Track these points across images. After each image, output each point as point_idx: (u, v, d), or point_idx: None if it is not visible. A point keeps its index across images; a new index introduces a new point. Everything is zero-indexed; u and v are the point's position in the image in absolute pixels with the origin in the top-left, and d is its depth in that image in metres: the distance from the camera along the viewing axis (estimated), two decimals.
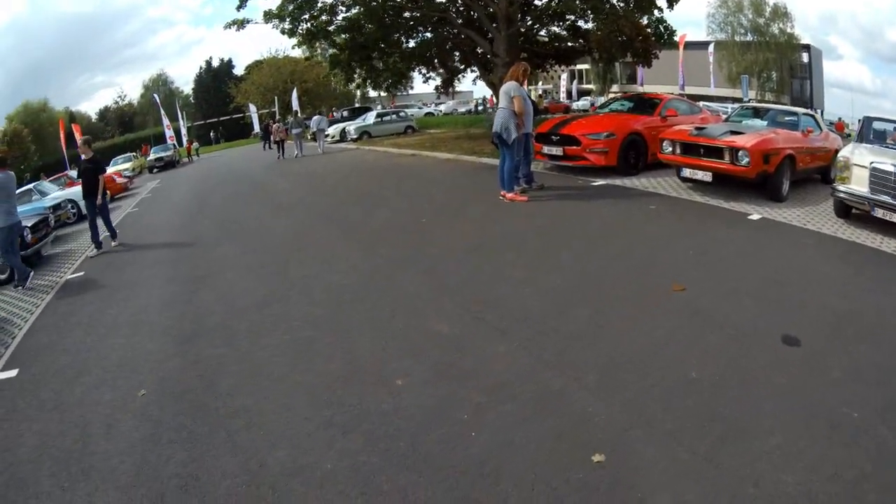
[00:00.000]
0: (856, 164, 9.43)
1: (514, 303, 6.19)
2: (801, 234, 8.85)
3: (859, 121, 31.33)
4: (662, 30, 23.94)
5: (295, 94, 43.09)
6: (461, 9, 23.87)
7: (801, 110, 13.43)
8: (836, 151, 13.24)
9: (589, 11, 22.50)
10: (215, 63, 74.51)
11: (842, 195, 9.51)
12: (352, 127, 35.18)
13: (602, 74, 74.73)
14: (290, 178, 19.84)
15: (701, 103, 19.81)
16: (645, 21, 23.05)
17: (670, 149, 11.20)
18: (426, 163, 19.13)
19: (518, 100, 10.21)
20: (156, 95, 56.65)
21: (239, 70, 73.13)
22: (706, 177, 10.60)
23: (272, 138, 31.23)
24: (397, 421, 4.24)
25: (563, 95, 70.12)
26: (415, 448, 3.91)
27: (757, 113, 13.88)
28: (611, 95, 61.55)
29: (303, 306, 6.82)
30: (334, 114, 51.00)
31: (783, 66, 63.79)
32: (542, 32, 26.49)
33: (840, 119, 44.05)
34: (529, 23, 24.68)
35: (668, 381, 4.51)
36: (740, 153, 9.98)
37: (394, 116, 37.87)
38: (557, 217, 9.78)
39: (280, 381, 5.04)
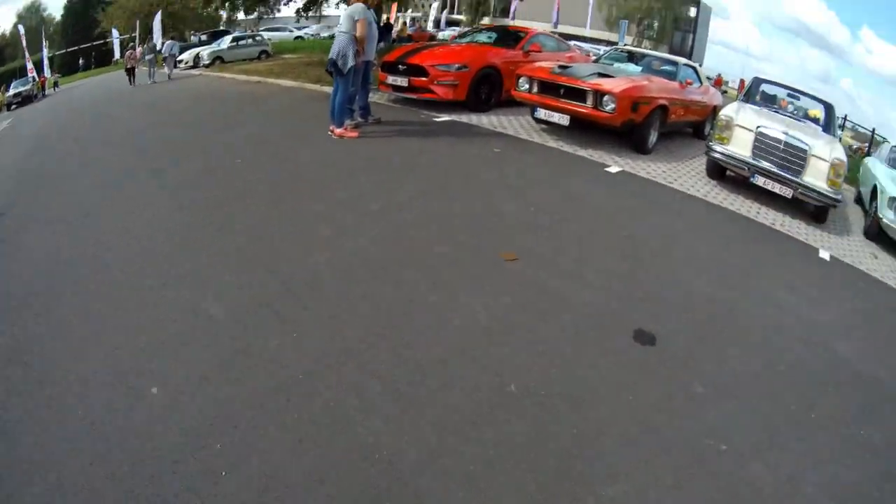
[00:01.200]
0: (739, 126, 9.22)
1: (309, 273, 5.18)
2: (667, 193, 8.44)
3: (741, 80, 32.41)
4: None
5: (158, 18, 40.32)
6: None
7: (682, 60, 13.02)
8: (715, 108, 13.17)
9: None
10: None
11: (718, 156, 9.26)
12: (205, 52, 33.31)
13: (474, 5, 74.52)
14: (130, 110, 17.67)
15: (573, 42, 19.17)
16: None
17: (526, 86, 10.38)
18: (267, 91, 17.68)
19: (362, 23, 9.06)
20: (20, 26, 51.60)
21: None
22: (563, 120, 9.88)
23: (125, 65, 29.41)
24: (146, 450, 3.28)
25: (430, 24, 69.13)
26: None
27: (632, 57, 13.38)
28: (482, 26, 61.53)
29: (60, 293, 5.27)
30: (193, 38, 48.43)
31: (667, 17, 65.79)
32: None
33: (719, 75, 45.64)
34: None
35: (479, 396, 3.66)
36: (606, 98, 9.29)
37: (249, 41, 36.60)
38: (386, 158, 8.74)
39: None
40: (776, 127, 8.95)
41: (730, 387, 4.01)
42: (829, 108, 10.94)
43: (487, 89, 12.11)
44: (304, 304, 4.57)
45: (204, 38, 43.23)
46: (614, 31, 58.90)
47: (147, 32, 43.90)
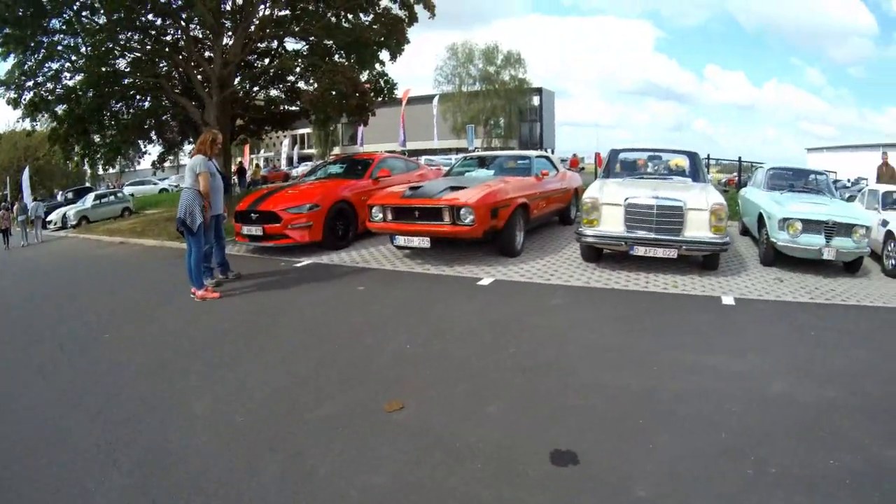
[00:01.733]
0: (606, 204, 9.17)
1: (189, 457, 4.49)
2: (547, 291, 8.19)
3: (597, 154, 33.27)
4: (383, 84, 23.83)
5: (26, 174, 38.61)
6: (180, 73, 22.57)
7: (533, 153, 13.29)
8: (576, 190, 13.39)
9: (309, 69, 21.99)
10: None
11: (591, 239, 9.16)
12: (71, 212, 32.31)
13: (323, 137, 75.49)
14: (2, 277, 16.62)
15: (422, 158, 19.18)
16: (365, 77, 22.94)
17: (380, 215, 10.13)
18: (130, 252, 17.00)
19: (204, 176, 8.68)
20: None
21: None
22: (423, 243, 9.68)
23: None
24: None
25: (284, 162, 69.18)
26: None
27: (483, 162, 13.43)
28: (331, 158, 62.25)
29: None
30: (59, 196, 46.68)
31: (512, 111, 68.63)
32: (260, 96, 25.65)
33: (574, 155, 47.04)
34: (247, 87, 23.85)
35: None
36: (463, 211, 9.18)
37: (112, 198, 35.26)
38: (251, 318, 8.10)
39: None
40: (644, 193, 8.99)
41: (673, 476, 3.65)
42: (692, 157, 11.25)
43: (343, 225, 11.95)
44: (188, 498, 3.91)
45: (70, 195, 42.18)
46: (462, 137, 60.59)
47: (17, 190, 42.21)
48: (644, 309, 7.43)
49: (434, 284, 8.79)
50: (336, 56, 22.21)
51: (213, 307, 8.53)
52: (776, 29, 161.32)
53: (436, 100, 57.19)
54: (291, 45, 23.48)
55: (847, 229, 9.12)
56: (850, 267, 9.47)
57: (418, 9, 22.08)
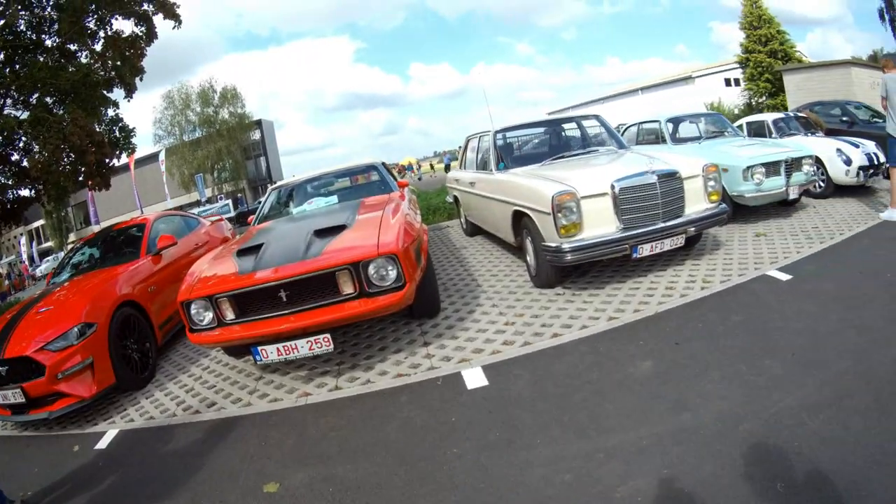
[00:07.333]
0: (586, 197, 6.02)
1: None
2: (618, 356, 4.67)
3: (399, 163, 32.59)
4: (118, 133, 18.31)
5: None
6: None
7: (372, 161, 9.21)
8: None
9: (32, 132, 15.51)
10: None
11: (577, 255, 5.89)
12: None
13: (57, 224, 66.97)
14: None
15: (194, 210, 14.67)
16: (98, 129, 17.22)
17: (210, 315, 5.35)
18: None
19: None
20: None
21: None
22: (320, 346, 5.11)
23: None
24: None
25: (26, 264, 58.66)
26: None
27: (306, 191, 8.97)
28: (69, 247, 55.17)
29: None
30: None
31: (237, 151, 64.39)
32: None
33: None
34: None
35: None
36: (374, 267, 5.03)
37: None
38: None
39: None
40: (627, 169, 6.11)
41: None
42: (600, 121, 8.84)
43: (136, 344, 6.90)
44: None
45: None
46: (192, 190, 56.73)
47: None
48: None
49: (400, 424, 4.41)
50: (60, 110, 16.34)
51: None
52: (483, 11, 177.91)
53: (162, 154, 51.60)
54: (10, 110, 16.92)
55: (798, 163, 8.57)
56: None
57: (157, 20, 17.32)
